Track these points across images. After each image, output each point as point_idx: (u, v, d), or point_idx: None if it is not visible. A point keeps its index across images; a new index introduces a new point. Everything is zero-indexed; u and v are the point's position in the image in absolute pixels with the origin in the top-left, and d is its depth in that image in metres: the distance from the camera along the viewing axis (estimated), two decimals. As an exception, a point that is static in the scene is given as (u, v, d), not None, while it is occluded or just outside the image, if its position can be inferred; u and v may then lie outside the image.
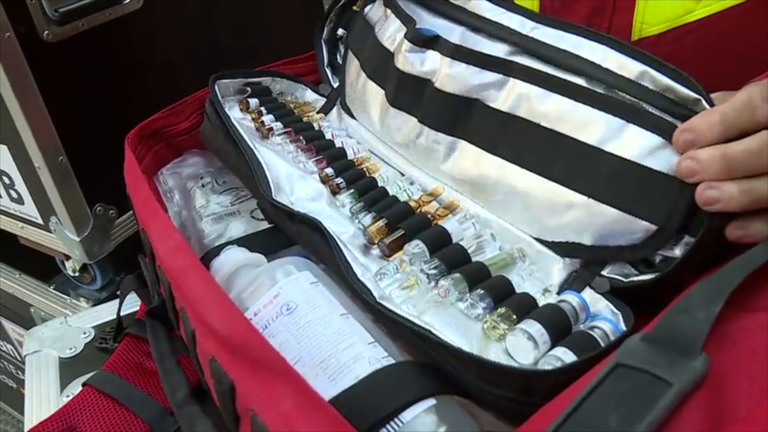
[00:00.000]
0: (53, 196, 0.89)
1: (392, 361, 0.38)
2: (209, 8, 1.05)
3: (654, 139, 0.41)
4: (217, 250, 0.52)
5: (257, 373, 0.35)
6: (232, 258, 0.48)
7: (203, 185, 0.61)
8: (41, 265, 1.14)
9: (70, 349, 0.66)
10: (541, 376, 0.36)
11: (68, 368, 0.64)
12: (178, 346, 0.52)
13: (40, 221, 0.96)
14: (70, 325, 0.70)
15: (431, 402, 0.36)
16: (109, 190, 0.94)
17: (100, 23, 0.89)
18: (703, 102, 0.41)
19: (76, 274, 1.11)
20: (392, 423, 0.35)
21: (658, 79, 0.43)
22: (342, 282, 0.46)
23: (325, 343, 0.39)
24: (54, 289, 1.14)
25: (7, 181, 0.95)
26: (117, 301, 0.69)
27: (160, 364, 0.50)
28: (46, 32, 0.83)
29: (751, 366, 0.31)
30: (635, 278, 0.43)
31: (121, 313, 0.65)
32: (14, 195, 0.97)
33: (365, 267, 0.46)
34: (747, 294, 0.34)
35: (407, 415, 0.35)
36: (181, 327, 0.45)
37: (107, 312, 0.73)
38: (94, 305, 1.01)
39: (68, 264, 1.11)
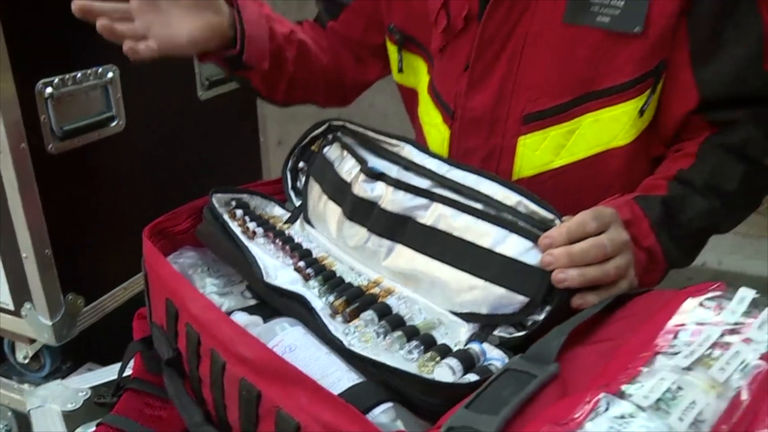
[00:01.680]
0: (34, 283, 1.04)
1: (363, 380, 0.59)
2: (179, 135, 1.27)
3: (527, 243, 0.66)
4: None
5: (279, 382, 0.55)
6: (239, 319, 0.68)
7: (201, 272, 0.80)
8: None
9: (71, 403, 0.81)
10: (460, 388, 0.57)
11: (71, 419, 0.79)
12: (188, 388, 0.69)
13: (10, 307, 1.10)
14: (66, 386, 0.84)
15: (390, 404, 0.57)
16: (80, 280, 1.10)
17: (92, 141, 1.09)
18: (557, 220, 0.66)
19: (26, 361, 1.23)
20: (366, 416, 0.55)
21: (529, 206, 0.68)
22: (321, 336, 0.66)
23: (318, 369, 0.59)
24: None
25: (-15, 271, 1.09)
26: (97, 370, 0.85)
27: (178, 400, 0.67)
28: (51, 145, 1.02)
29: (581, 372, 0.54)
30: (514, 335, 0.66)
31: (109, 378, 0.81)
32: (-12, 283, 1.10)
33: (335, 327, 0.67)
34: (580, 334, 0.58)
35: (375, 411, 0.56)
36: (204, 365, 0.63)
37: (95, 377, 0.88)
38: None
39: (20, 351, 1.22)
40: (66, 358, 1.22)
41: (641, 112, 0.81)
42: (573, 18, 0.79)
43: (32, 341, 1.17)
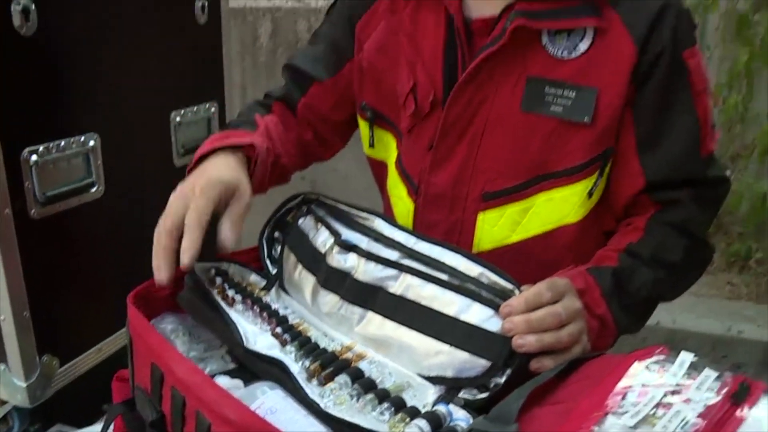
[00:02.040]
0: (10, 345, 1.06)
1: (339, 440, 0.63)
2: (156, 201, 1.31)
3: (489, 312, 0.72)
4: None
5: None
6: (221, 382, 0.72)
7: (182, 336, 0.84)
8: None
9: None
10: (427, 446, 0.62)
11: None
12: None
13: (-16, 368, 1.11)
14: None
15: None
16: (56, 341, 1.12)
17: (72, 206, 1.13)
18: (516, 290, 0.73)
19: (-6, 422, 1.23)
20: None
21: (490, 276, 0.75)
22: (298, 399, 0.70)
23: (298, 430, 0.63)
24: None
25: (-40, 333, 1.11)
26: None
27: (162, 458, 0.70)
28: (33, 211, 1.06)
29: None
30: (478, 396, 0.71)
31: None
32: (-36, 345, 1.12)
33: (312, 390, 0.72)
34: (538, 396, 0.63)
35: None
36: (189, 426, 0.67)
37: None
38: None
39: (-12, 412, 1.23)
40: (35, 419, 1.23)
41: (590, 194, 0.90)
42: (529, 107, 0.88)
43: (2, 402, 1.18)
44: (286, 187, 1.06)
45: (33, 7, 1.03)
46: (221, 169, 0.85)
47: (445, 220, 0.95)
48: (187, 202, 0.79)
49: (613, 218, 0.95)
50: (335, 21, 1.06)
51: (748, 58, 2.90)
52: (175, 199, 0.81)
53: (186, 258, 0.77)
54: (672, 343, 2.34)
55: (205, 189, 0.79)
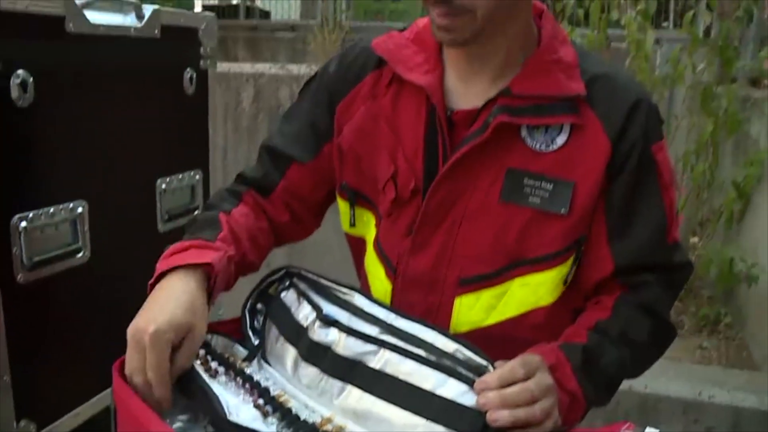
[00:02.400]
0: (-12, 409, 1.07)
1: None
2: (139, 266, 1.34)
3: (464, 387, 0.76)
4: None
5: None
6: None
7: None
8: None
9: None
10: None
11: None
12: None
13: (-41, 433, 1.11)
14: None
15: None
16: (34, 406, 1.13)
17: (57, 271, 1.15)
18: (490, 367, 0.77)
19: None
20: None
21: (466, 353, 0.79)
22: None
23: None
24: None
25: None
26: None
27: None
28: (20, 276, 1.08)
29: None
30: (454, 469, 0.74)
31: None
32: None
33: (295, 460, 0.74)
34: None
35: None
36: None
37: None
38: None
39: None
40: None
41: (565, 281, 0.95)
42: (508, 198, 0.92)
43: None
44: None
45: (31, 80, 1.08)
46: (175, 304, 0.83)
47: (423, 302, 0.98)
48: (143, 355, 0.79)
49: (582, 297, 0.99)
50: (314, 101, 1.06)
51: (713, 129, 3.02)
52: (131, 351, 0.81)
53: (166, 405, 0.80)
54: (644, 408, 2.37)
55: (155, 342, 0.79)
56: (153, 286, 0.87)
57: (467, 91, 0.95)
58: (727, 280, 2.86)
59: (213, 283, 0.89)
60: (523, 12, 0.93)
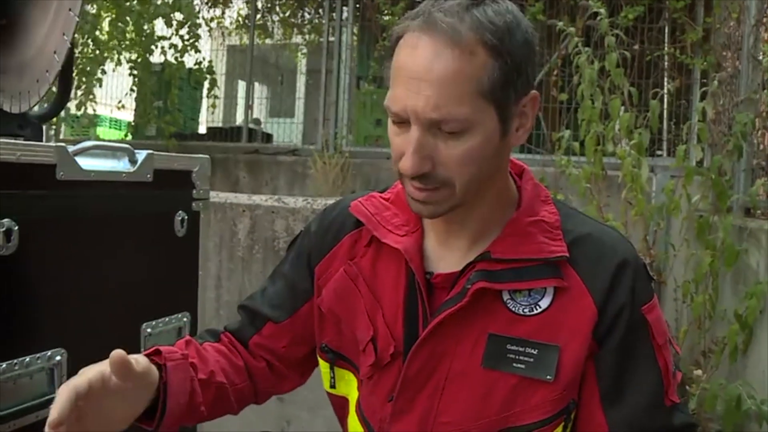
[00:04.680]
0: None
1: None
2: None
3: None
4: None
5: None
6: None
7: None
8: None
9: None
10: None
11: None
12: None
13: None
14: None
15: None
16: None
17: (27, 423, 1.10)
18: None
19: None
20: None
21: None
22: None
23: None
24: None
25: None
26: None
27: None
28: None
29: None
30: None
31: None
32: None
33: None
34: None
35: None
36: None
37: None
38: None
39: None
40: None
41: None
42: (491, 363, 0.89)
43: None
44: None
45: (16, 228, 1.07)
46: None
47: None
48: None
49: None
50: (295, 261, 1.07)
51: (711, 261, 3.00)
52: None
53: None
54: None
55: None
56: None
57: (446, 254, 0.94)
58: (735, 418, 2.75)
59: (166, 372, 0.89)
60: (501, 174, 0.93)
